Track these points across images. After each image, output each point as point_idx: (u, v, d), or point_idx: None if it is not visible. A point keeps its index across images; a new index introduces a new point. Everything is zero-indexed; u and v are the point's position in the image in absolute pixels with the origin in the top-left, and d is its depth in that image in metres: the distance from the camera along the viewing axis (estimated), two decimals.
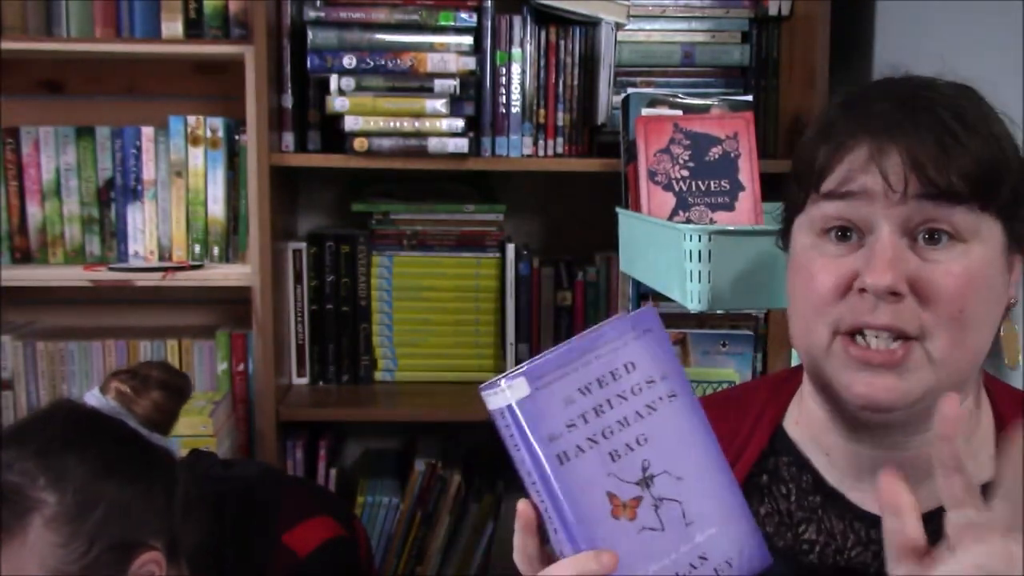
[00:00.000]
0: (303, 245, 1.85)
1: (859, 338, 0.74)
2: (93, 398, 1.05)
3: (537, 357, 0.68)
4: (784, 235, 0.84)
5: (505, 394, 0.66)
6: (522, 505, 0.67)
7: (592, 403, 0.68)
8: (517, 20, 1.77)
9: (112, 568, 0.95)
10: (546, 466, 0.67)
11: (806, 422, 0.85)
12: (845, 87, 0.84)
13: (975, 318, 0.74)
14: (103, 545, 0.94)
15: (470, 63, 1.70)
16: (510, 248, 1.86)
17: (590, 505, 0.67)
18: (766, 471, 0.86)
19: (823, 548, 0.81)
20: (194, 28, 1.77)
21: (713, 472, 0.70)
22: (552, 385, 0.67)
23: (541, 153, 1.80)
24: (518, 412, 0.66)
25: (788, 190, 0.82)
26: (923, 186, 0.71)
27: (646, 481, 0.69)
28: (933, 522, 0.79)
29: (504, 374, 0.67)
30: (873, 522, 0.80)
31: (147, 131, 1.81)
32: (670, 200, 1.44)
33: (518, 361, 1.87)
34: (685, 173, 1.44)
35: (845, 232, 0.75)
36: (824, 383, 0.78)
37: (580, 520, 0.66)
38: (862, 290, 0.73)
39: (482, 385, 0.68)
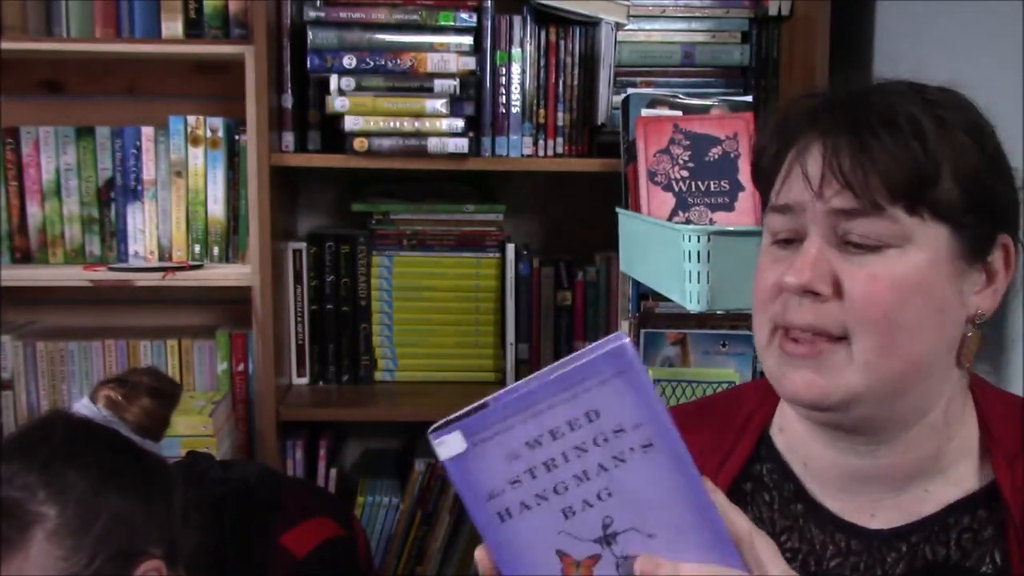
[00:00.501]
0: (303, 245, 1.85)
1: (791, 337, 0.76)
2: (84, 407, 1.05)
3: (493, 398, 0.62)
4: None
5: (440, 449, 0.62)
6: (479, 553, 0.64)
7: (542, 457, 0.62)
8: (517, 20, 1.77)
9: None
10: (483, 525, 0.63)
11: (788, 430, 0.86)
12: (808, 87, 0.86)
13: (905, 325, 0.73)
14: (105, 556, 0.94)
15: (470, 63, 1.70)
16: (510, 248, 1.86)
17: (536, 565, 0.63)
18: (751, 478, 0.86)
19: (805, 557, 0.81)
20: (194, 28, 1.77)
21: (697, 524, 0.63)
22: (492, 440, 0.62)
23: (541, 153, 1.80)
24: (452, 469, 0.62)
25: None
26: (842, 185, 0.72)
27: (607, 539, 0.63)
28: (906, 536, 0.79)
29: (451, 417, 0.62)
30: (854, 533, 0.80)
31: (147, 131, 1.81)
32: (670, 200, 1.44)
33: (518, 361, 1.88)
34: (685, 173, 1.44)
35: (789, 240, 0.77)
36: (774, 384, 0.79)
37: None
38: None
39: (432, 427, 0.62)
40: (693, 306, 1.19)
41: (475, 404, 0.62)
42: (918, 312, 0.73)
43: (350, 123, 1.67)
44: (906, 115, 0.74)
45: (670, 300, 1.30)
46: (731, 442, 0.87)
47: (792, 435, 0.85)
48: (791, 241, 0.77)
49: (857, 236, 0.73)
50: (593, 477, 0.62)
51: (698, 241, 1.16)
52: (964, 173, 0.74)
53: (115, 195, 1.83)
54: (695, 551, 0.63)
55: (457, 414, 0.62)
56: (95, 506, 0.95)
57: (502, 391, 0.62)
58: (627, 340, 0.62)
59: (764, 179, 0.82)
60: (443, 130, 1.69)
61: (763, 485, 0.85)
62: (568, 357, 0.62)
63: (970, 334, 0.78)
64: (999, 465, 0.78)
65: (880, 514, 0.80)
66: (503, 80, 1.78)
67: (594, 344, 0.62)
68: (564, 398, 0.61)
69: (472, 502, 0.63)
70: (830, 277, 0.73)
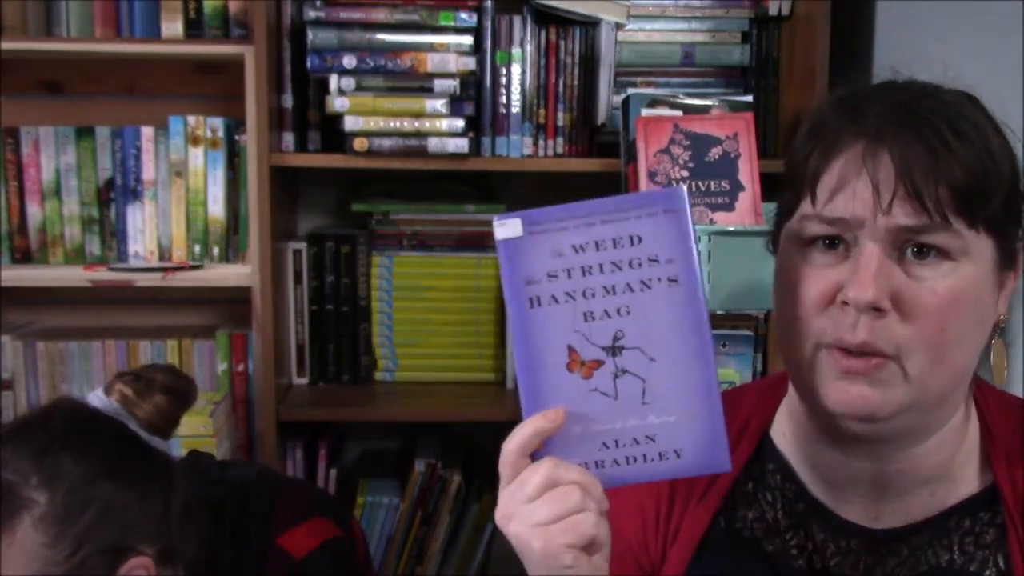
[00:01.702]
0: (303, 245, 1.85)
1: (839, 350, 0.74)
2: (96, 398, 1.05)
3: (548, 207, 0.71)
4: (775, 239, 0.83)
5: (501, 230, 0.70)
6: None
7: (581, 262, 0.70)
8: (517, 20, 1.77)
9: (98, 572, 0.94)
10: (515, 304, 0.71)
11: (792, 432, 0.85)
12: (842, 86, 0.84)
13: (956, 338, 0.72)
14: (91, 548, 0.93)
15: (470, 63, 1.70)
16: None
17: (545, 351, 0.71)
18: (752, 478, 0.86)
19: (809, 555, 0.81)
20: (194, 28, 1.77)
21: (693, 366, 0.71)
22: (545, 234, 0.70)
23: (541, 153, 1.80)
24: (504, 250, 0.70)
25: (781, 193, 0.81)
26: (911, 196, 0.70)
27: (614, 349, 0.71)
28: (908, 538, 0.79)
29: (515, 213, 0.71)
30: (853, 532, 0.80)
31: (147, 131, 1.81)
32: None
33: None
34: (685, 173, 1.44)
35: (832, 241, 0.74)
36: (807, 392, 0.77)
37: (532, 361, 0.71)
38: (844, 303, 0.72)
39: (496, 216, 0.71)
40: None
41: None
42: (968, 325, 0.73)
43: (350, 123, 1.67)
44: (972, 122, 0.73)
45: None
46: (732, 440, 0.85)
47: (797, 436, 0.84)
48: (834, 243, 0.74)
49: (917, 250, 0.71)
50: (619, 293, 0.70)
51: (699, 241, 1.16)
52: (1008, 183, 0.73)
53: (115, 195, 1.83)
54: (689, 385, 0.71)
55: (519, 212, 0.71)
56: (86, 496, 0.94)
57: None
58: (684, 188, 0.72)
59: (798, 184, 0.77)
60: (443, 130, 1.69)
61: (766, 485, 0.85)
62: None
63: (994, 341, 0.78)
64: (999, 466, 0.78)
65: (883, 516, 0.80)
66: (503, 80, 1.78)
67: (653, 189, 0.70)
68: (617, 217, 0.70)
69: (511, 282, 0.71)
70: (889, 292, 0.71)
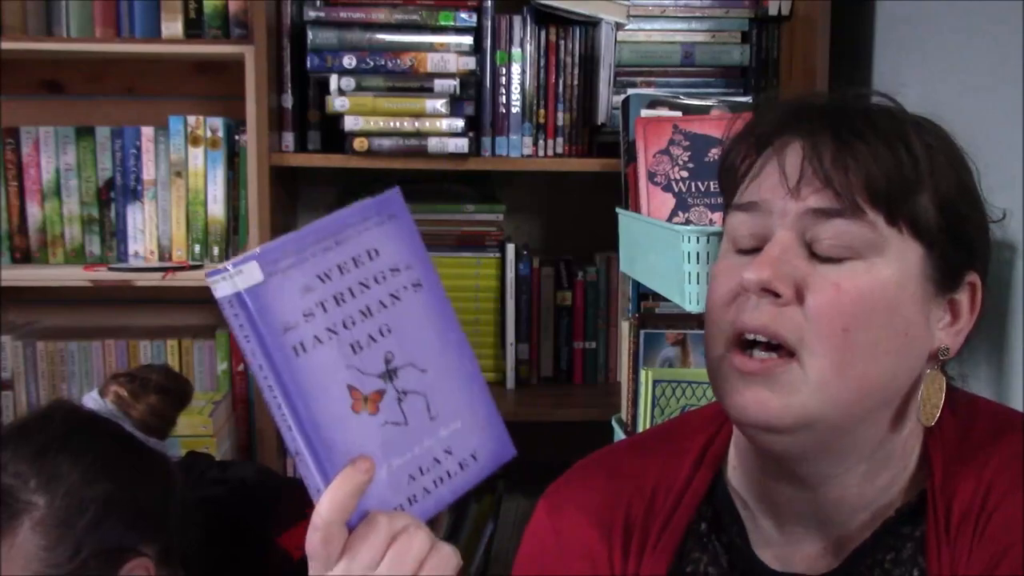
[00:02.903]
0: None
1: (745, 351, 0.70)
2: (91, 400, 1.05)
3: (272, 242, 0.64)
4: None
5: (234, 280, 0.62)
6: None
7: (333, 291, 0.64)
8: (517, 20, 1.77)
9: (99, 573, 0.94)
10: (278, 360, 0.62)
11: (739, 461, 0.81)
12: (840, 87, 0.83)
13: (864, 345, 0.68)
14: (91, 550, 0.93)
15: (470, 63, 1.70)
16: (510, 248, 1.86)
17: (328, 400, 0.63)
18: (705, 519, 0.81)
19: None
20: (194, 28, 1.77)
21: (456, 366, 0.68)
22: (288, 271, 0.63)
23: (541, 153, 1.80)
24: (248, 301, 0.62)
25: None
26: (820, 181, 0.68)
27: (389, 374, 0.66)
28: (847, 571, 0.74)
29: (233, 259, 0.63)
30: None
31: (147, 131, 1.81)
32: (670, 201, 1.44)
33: (518, 361, 1.88)
34: (685, 174, 1.44)
35: (752, 249, 0.72)
36: (723, 406, 0.73)
37: (316, 415, 0.62)
38: (746, 289, 0.69)
39: (208, 271, 0.63)
40: (692, 307, 1.18)
41: (251, 251, 0.63)
42: (879, 331, 0.68)
43: (350, 123, 1.67)
44: (891, 123, 0.71)
45: (670, 300, 1.29)
46: (684, 479, 0.81)
47: (744, 468, 0.80)
48: (755, 250, 0.71)
49: (827, 243, 0.68)
50: (375, 313, 0.65)
51: (697, 242, 1.16)
52: (943, 195, 0.70)
53: (115, 195, 1.83)
54: (459, 386, 0.68)
55: (238, 257, 0.63)
56: (85, 497, 0.94)
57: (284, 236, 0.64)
58: (397, 189, 0.69)
59: (731, 180, 0.76)
60: (443, 130, 1.69)
61: (719, 526, 0.80)
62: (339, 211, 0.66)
63: (929, 372, 0.73)
64: (936, 471, 0.73)
65: (819, 559, 0.76)
66: (503, 80, 1.78)
67: (363, 201, 0.67)
68: (349, 234, 0.66)
69: (267, 336, 0.62)
70: (792, 280, 0.68)
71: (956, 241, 0.71)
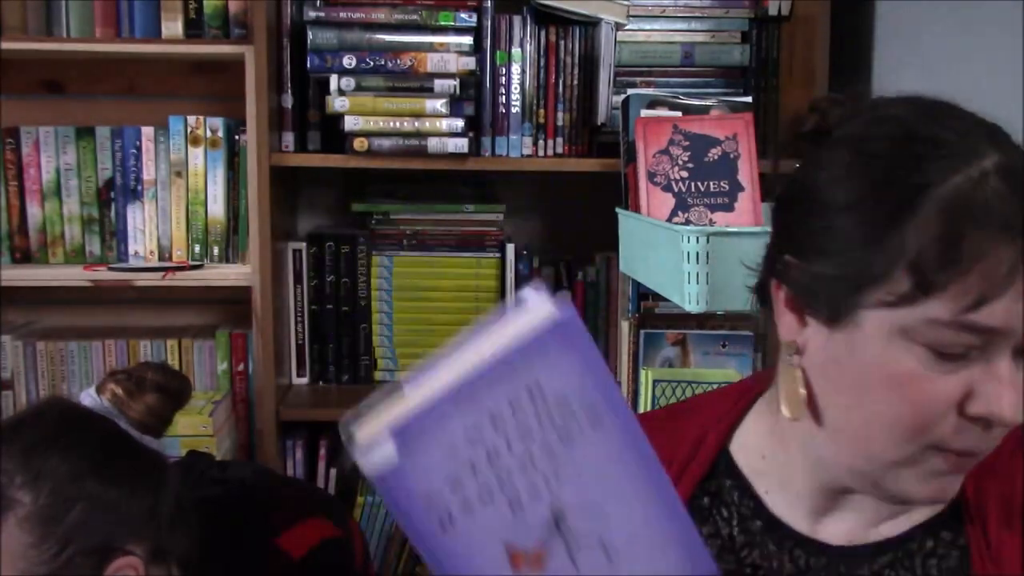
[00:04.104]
0: (303, 245, 1.85)
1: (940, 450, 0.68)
2: (88, 397, 1.05)
3: (411, 383, 0.53)
4: (824, 297, 0.69)
5: (372, 460, 0.53)
6: None
7: (483, 448, 0.54)
8: (517, 20, 1.77)
9: (86, 571, 0.94)
10: (424, 534, 0.54)
11: (760, 451, 0.81)
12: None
13: None
14: (77, 547, 0.93)
15: (470, 63, 1.70)
16: (510, 248, 1.86)
17: (484, 562, 0.55)
18: (708, 493, 0.82)
19: (765, 574, 0.78)
20: (194, 28, 1.77)
21: (648, 499, 0.57)
22: (428, 437, 0.53)
23: (541, 153, 1.80)
24: (387, 480, 0.53)
25: (849, 253, 0.66)
26: None
27: (556, 523, 0.56)
28: (871, 557, 0.76)
29: (363, 414, 0.53)
30: (815, 549, 0.77)
31: (147, 131, 1.81)
32: (669, 201, 1.44)
33: None
34: (684, 174, 1.44)
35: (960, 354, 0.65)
36: (880, 480, 0.70)
37: None
38: (975, 416, 0.64)
39: (343, 423, 0.53)
40: (692, 307, 1.19)
41: (389, 391, 0.53)
42: None
43: (350, 123, 1.67)
44: None
45: (670, 300, 1.30)
46: (686, 454, 0.82)
47: (764, 459, 0.81)
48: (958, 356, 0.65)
49: None
50: (540, 463, 0.55)
51: (697, 242, 1.16)
52: None
53: (115, 195, 1.83)
54: (647, 523, 0.57)
55: (372, 406, 0.53)
56: (71, 494, 0.94)
57: (420, 372, 0.54)
58: (569, 303, 0.54)
59: (922, 274, 0.63)
60: (443, 130, 1.69)
61: (722, 501, 0.81)
62: (496, 316, 0.54)
63: None
64: (969, 480, 0.74)
65: (846, 530, 0.78)
66: (503, 80, 1.78)
67: (523, 296, 0.54)
68: (503, 371, 0.53)
69: (408, 513, 0.53)
70: None
71: None
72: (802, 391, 0.71)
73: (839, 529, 0.78)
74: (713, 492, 0.82)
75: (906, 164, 0.64)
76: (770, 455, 0.80)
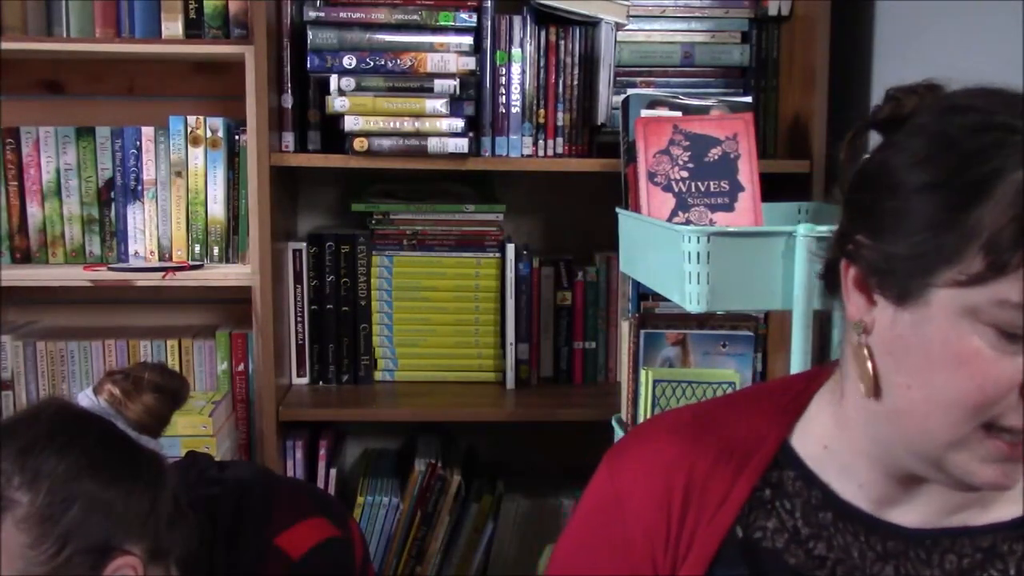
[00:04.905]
0: (303, 245, 1.85)
1: (993, 431, 0.68)
2: (85, 398, 1.05)
3: None
4: (883, 278, 0.71)
5: None
6: None
7: None
8: (517, 20, 1.77)
9: (84, 571, 0.94)
10: None
11: (827, 447, 0.81)
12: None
13: None
14: (75, 547, 0.93)
15: (470, 63, 1.70)
16: (510, 248, 1.86)
17: None
18: (769, 484, 0.82)
19: (836, 564, 0.78)
20: (194, 28, 1.77)
21: None
22: None
23: (541, 153, 1.80)
24: None
25: (930, 235, 0.67)
26: None
27: None
28: (951, 545, 0.76)
29: None
30: (891, 533, 0.77)
31: (147, 131, 1.81)
32: (670, 201, 1.44)
33: (518, 361, 1.88)
34: (684, 174, 1.44)
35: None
36: (936, 461, 0.71)
37: None
38: None
39: None
40: (693, 307, 1.19)
41: None
42: None
43: (350, 123, 1.67)
44: None
45: (670, 300, 1.29)
46: (748, 446, 0.82)
47: (827, 448, 0.81)
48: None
49: None
50: None
51: (698, 242, 1.16)
52: None
53: (115, 195, 1.83)
54: None
55: None
56: (68, 494, 0.93)
57: None
58: None
59: (997, 253, 0.65)
60: (443, 130, 1.69)
61: (784, 492, 0.81)
62: None
63: None
64: None
65: (918, 518, 0.78)
66: (503, 80, 1.78)
67: None
68: None
69: None
70: None
71: None
72: (870, 367, 0.73)
73: (909, 517, 0.78)
74: (774, 483, 0.82)
75: (983, 150, 0.66)
76: (833, 445, 0.81)
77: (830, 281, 0.78)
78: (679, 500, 0.82)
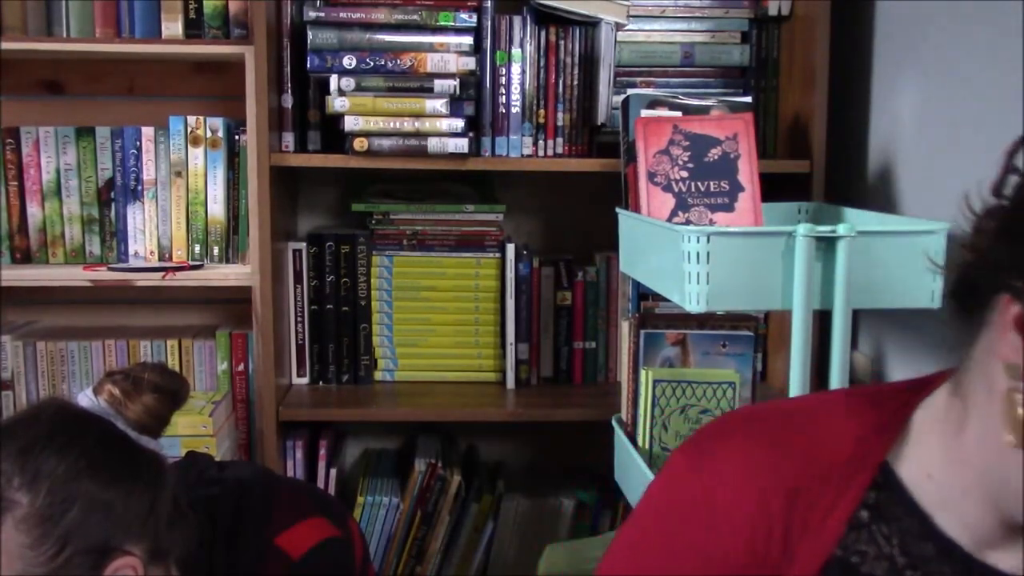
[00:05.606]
0: (303, 245, 1.85)
1: None
2: (85, 398, 1.05)
3: None
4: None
5: None
6: None
7: None
8: (517, 20, 1.77)
9: (84, 571, 0.93)
10: None
11: (931, 476, 0.77)
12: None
13: None
14: (75, 548, 0.93)
15: (470, 63, 1.70)
16: (510, 248, 1.86)
17: None
18: (866, 505, 0.77)
19: None
20: (194, 28, 1.77)
21: None
22: None
23: (541, 153, 1.80)
24: None
25: None
26: None
27: None
28: None
29: None
30: (988, 575, 0.73)
31: (147, 131, 1.81)
32: (670, 201, 1.44)
33: (518, 361, 1.88)
34: (684, 174, 1.44)
35: None
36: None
37: None
38: None
39: None
40: (693, 307, 1.19)
41: None
42: None
43: (350, 123, 1.67)
44: None
45: (670, 300, 1.30)
46: (846, 461, 0.77)
47: (931, 478, 0.77)
48: None
49: None
50: None
51: (698, 242, 1.16)
52: None
53: (115, 195, 1.83)
54: None
55: None
56: (68, 494, 0.93)
57: None
58: None
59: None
60: (443, 130, 1.69)
61: (882, 516, 0.77)
62: None
63: None
64: None
65: (1019, 564, 0.74)
66: (503, 80, 1.78)
67: None
68: None
69: None
70: None
71: None
72: (1022, 415, 0.66)
73: (1009, 562, 0.74)
74: (872, 505, 0.77)
75: None
76: (939, 476, 0.76)
77: (966, 303, 0.72)
78: (780, 512, 0.77)
